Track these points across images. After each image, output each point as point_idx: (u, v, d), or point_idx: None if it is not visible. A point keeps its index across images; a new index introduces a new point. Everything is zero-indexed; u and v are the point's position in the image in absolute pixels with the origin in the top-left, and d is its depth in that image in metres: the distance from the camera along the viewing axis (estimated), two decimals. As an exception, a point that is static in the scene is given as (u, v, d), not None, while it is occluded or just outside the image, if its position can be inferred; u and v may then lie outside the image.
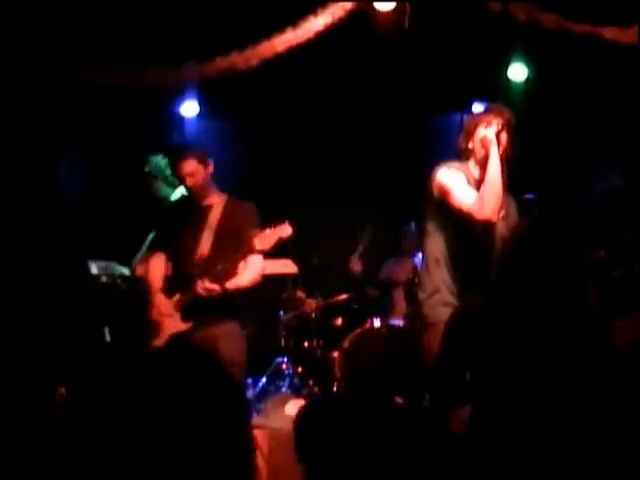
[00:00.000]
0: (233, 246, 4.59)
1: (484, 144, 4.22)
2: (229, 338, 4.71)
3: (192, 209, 4.87)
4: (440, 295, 4.25)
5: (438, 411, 3.19)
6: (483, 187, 4.14)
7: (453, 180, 4.22)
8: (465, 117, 8.20)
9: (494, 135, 4.19)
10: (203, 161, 4.77)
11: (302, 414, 2.84)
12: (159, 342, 4.62)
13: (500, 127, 4.22)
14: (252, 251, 4.56)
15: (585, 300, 2.86)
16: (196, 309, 4.63)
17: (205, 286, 4.55)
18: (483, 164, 4.24)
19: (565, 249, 2.85)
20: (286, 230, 4.51)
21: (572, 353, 2.71)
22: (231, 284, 4.62)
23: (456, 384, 2.98)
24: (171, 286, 4.76)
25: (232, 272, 4.64)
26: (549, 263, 2.82)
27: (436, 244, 4.30)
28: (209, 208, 4.83)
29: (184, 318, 4.66)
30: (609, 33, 5.49)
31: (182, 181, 4.86)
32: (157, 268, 4.85)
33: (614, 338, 2.92)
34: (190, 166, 4.75)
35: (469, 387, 2.89)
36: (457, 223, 4.21)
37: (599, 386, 2.73)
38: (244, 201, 4.90)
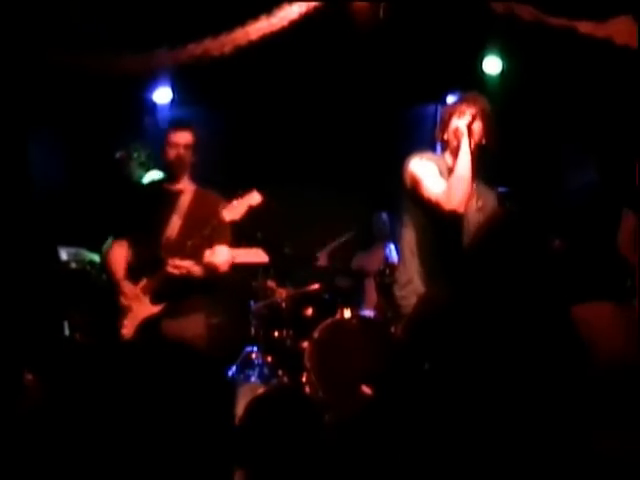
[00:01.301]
0: (201, 232, 4.59)
1: (456, 135, 4.23)
2: (196, 330, 4.73)
3: (161, 193, 4.85)
4: (413, 286, 4.25)
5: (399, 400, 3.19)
6: (451, 178, 4.16)
7: (424, 170, 4.24)
8: (440, 108, 8.28)
9: (465, 126, 4.19)
10: (196, 141, 4.78)
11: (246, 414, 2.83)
12: (130, 328, 4.58)
13: (472, 117, 4.22)
14: (220, 238, 4.56)
15: (548, 290, 2.86)
16: (165, 292, 4.61)
17: (175, 264, 4.52)
18: (456, 154, 4.24)
19: (530, 242, 2.85)
20: (255, 197, 4.52)
21: (534, 343, 2.71)
22: (204, 260, 4.59)
23: (415, 373, 2.97)
24: (136, 272, 4.73)
25: (202, 249, 4.62)
26: (514, 255, 2.82)
27: (411, 234, 4.31)
28: (179, 193, 4.82)
29: (154, 301, 4.62)
30: (584, 27, 5.50)
31: (169, 152, 4.77)
32: (119, 256, 4.81)
33: (576, 326, 2.94)
34: (188, 137, 4.75)
35: (427, 377, 2.88)
36: (429, 213, 4.20)
37: (560, 372, 2.74)
38: (212, 192, 4.89)
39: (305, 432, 2.68)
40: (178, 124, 4.86)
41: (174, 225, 4.73)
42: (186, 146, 4.75)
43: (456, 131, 4.23)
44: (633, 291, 4.27)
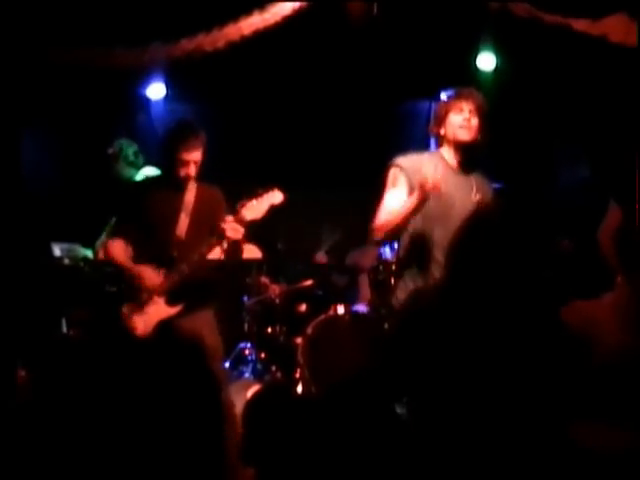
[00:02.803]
0: (208, 229, 4.53)
1: (420, 182, 4.04)
2: (211, 327, 4.68)
3: (164, 192, 4.72)
4: (405, 281, 4.25)
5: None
6: (382, 212, 4.23)
7: (391, 182, 4.29)
8: (434, 104, 8.28)
9: (465, 121, 4.22)
10: (205, 149, 4.70)
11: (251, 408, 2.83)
12: (147, 329, 4.45)
13: (475, 117, 4.25)
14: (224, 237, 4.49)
15: (538, 286, 2.86)
16: (180, 292, 4.51)
17: (232, 227, 4.41)
18: (458, 149, 4.30)
19: (523, 238, 2.85)
20: (277, 196, 4.47)
21: (523, 342, 2.71)
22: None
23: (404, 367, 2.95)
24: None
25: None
26: (506, 250, 2.82)
27: (406, 231, 4.29)
28: (183, 190, 4.71)
29: (170, 302, 4.51)
30: (579, 25, 5.51)
31: (179, 171, 4.63)
32: (122, 251, 4.69)
33: (565, 324, 2.94)
34: (199, 155, 4.65)
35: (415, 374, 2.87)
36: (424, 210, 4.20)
37: (550, 371, 2.74)
38: (212, 185, 4.82)
39: (307, 428, 2.69)
40: (190, 138, 4.66)
41: (183, 223, 4.63)
42: (197, 163, 4.65)
43: (422, 180, 4.02)
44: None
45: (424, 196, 4.01)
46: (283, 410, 2.70)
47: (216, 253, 4.64)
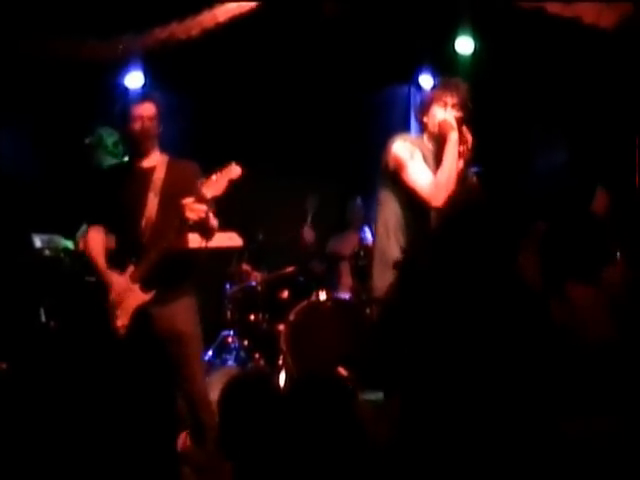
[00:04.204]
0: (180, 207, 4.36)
1: (443, 128, 4.28)
2: (188, 314, 4.61)
3: (132, 172, 4.63)
4: (387, 265, 4.26)
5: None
6: (438, 176, 4.22)
7: (408, 156, 4.27)
8: (413, 89, 8.29)
9: (455, 120, 4.25)
10: (159, 112, 4.58)
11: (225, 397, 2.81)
12: (124, 319, 4.40)
13: (458, 111, 4.30)
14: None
15: (517, 273, 2.88)
16: (154, 277, 4.43)
17: (192, 207, 4.28)
18: (436, 141, 4.35)
19: (498, 222, 2.86)
20: (235, 170, 4.32)
21: (506, 328, 2.73)
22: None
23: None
24: (120, 257, 4.54)
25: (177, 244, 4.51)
26: (482, 236, 2.83)
27: (388, 212, 4.34)
28: (151, 170, 4.59)
29: (144, 289, 4.43)
30: (553, 7, 5.52)
31: (134, 125, 4.54)
32: (97, 244, 4.63)
33: (552, 311, 2.96)
34: (151, 108, 4.55)
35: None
36: (409, 195, 4.25)
37: (534, 360, 2.75)
38: (187, 160, 4.70)
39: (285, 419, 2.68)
40: (138, 98, 4.76)
41: (152, 204, 4.51)
42: (150, 117, 4.53)
43: (443, 124, 4.28)
44: None
45: (455, 132, 4.20)
46: (258, 397, 2.70)
47: (195, 240, 4.62)
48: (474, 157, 4.49)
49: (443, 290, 2.82)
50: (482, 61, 7.30)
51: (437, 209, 4.15)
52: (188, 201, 4.29)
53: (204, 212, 4.33)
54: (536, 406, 2.72)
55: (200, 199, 4.30)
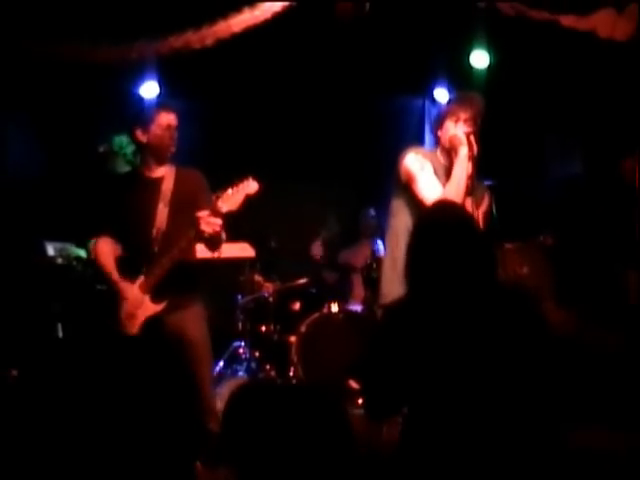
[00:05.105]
0: (189, 216, 4.34)
1: (453, 143, 4.31)
2: (198, 322, 4.60)
3: (141, 181, 4.61)
4: (398, 276, 4.25)
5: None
6: (447, 188, 4.26)
7: (419, 169, 4.32)
8: (427, 103, 8.30)
9: (465, 136, 4.26)
10: (178, 124, 4.57)
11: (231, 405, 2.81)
12: (134, 328, 4.39)
13: (470, 127, 4.30)
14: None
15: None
16: (164, 288, 4.41)
17: (207, 220, 4.25)
18: (449, 155, 4.38)
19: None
20: (252, 186, 4.31)
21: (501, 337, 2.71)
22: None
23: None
24: (130, 267, 4.53)
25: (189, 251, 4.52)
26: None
27: (400, 223, 4.36)
28: (160, 180, 4.58)
29: (155, 299, 4.42)
30: (567, 20, 5.52)
31: (156, 130, 4.51)
32: (106, 254, 4.62)
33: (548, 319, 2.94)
34: (173, 119, 4.53)
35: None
36: (420, 206, 4.26)
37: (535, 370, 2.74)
38: (191, 168, 4.69)
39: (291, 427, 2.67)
40: (161, 106, 4.70)
41: (161, 214, 4.50)
42: (175, 128, 4.54)
43: (453, 139, 4.32)
44: None
45: (465, 147, 4.24)
46: (263, 406, 2.69)
47: (203, 251, 4.61)
48: (488, 169, 4.49)
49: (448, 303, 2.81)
50: (497, 74, 7.30)
51: None
52: (203, 214, 4.28)
53: (219, 226, 4.32)
54: (538, 415, 2.70)
55: (215, 213, 4.29)
